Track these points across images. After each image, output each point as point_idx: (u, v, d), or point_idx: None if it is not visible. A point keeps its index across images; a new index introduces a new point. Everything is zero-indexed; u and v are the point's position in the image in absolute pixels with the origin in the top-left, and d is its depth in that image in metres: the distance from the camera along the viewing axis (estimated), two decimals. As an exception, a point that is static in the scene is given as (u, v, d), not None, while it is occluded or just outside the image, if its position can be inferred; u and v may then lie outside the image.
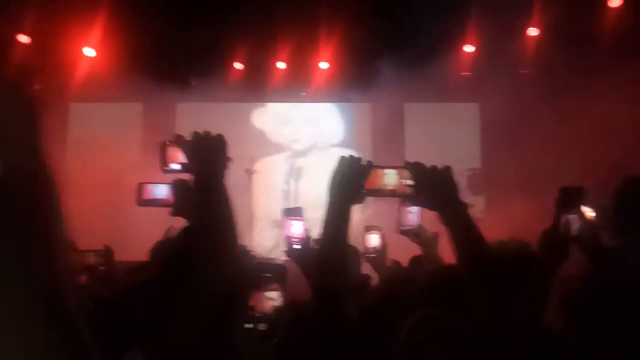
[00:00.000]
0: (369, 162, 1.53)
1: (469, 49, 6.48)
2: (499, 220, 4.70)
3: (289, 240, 1.87)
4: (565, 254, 1.73)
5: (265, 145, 7.41)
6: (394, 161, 1.67)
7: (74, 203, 0.50)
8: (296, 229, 1.86)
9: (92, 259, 2.69)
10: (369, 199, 1.55)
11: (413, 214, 1.98)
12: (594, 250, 1.77)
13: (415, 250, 2.39)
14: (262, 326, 1.31)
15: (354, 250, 2.21)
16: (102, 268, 2.72)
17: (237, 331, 1.28)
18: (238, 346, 1.26)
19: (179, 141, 1.51)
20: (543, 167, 6.00)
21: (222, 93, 6.90)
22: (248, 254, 1.70)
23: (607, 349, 1.60)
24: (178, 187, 1.81)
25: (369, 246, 2.44)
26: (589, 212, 1.84)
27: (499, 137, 6.74)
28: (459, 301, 1.39)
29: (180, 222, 1.71)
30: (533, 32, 6.18)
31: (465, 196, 1.52)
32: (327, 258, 1.44)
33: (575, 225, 1.73)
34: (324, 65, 6.75)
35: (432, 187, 1.49)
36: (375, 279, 2.57)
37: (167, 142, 1.60)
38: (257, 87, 6.93)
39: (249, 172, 6.43)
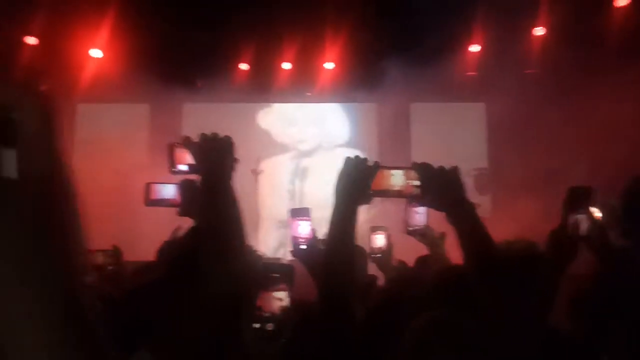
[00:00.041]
0: (375, 162, 1.53)
1: (474, 48, 6.47)
2: (506, 220, 4.68)
3: (295, 240, 1.87)
4: (573, 254, 1.73)
5: (271, 146, 7.42)
6: (400, 161, 1.67)
7: (82, 204, 0.51)
8: (303, 229, 1.86)
9: (100, 259, 2.70)
10: (375, 199, 1.56)
11: (420, 215, 1.98)
12: (602, 250, 1.76)
13: (421, 250, 2.39)
14: (269, 326, 1.32)
15: (360, 250, 2.21)
16: (110, 268, 2.73)
17: (244, 331, 1.28)
18: (246, 346, 1.26)
19: (186, 143, 1.52)
20: (550, 167, 5.97)
21: (228, 94, 6.92)
22: (254, 254, 1.71)
23: (614, 349, 1.59)
24: (185, 187, 1.82)
25: (374, 246, 2.44)
26: (596, 212, 1.83)
27: (506, 137, 6.72)
28: (466, 301, 1.38)
29: (188, 222, 1.72)
30: (539, 31, 6.15)
31: (472, 196, 1.52)
32: (334, 258, 1.45)
33: (583, 225, 1.72)
34: (329, 65, 6.75)
35: (440, 187, 1.49)
36: (381, 279, 2.57)
37: (175, 144, 1.61)
38: (263, 87, 6.94)
39: (255, 173, 6.45)
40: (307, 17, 5.81)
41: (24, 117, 0.45)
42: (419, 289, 1.72)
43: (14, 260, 0.43)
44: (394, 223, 2.43)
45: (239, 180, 1.46)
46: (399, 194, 1.55)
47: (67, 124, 6.82)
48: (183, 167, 1.59)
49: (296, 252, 1.88)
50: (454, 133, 7.14)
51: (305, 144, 7.57)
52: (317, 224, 1.86)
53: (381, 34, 5.97)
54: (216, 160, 1.42)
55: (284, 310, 1.35)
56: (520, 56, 6.30)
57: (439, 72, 6.16)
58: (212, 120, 6.78)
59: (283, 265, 1.65)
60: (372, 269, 2.54)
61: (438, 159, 1.60)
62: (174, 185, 1.93)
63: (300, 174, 7.47)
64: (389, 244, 2.47)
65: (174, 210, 1.90)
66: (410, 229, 1.97)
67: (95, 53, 6.40)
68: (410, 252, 2.64)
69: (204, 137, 1.46)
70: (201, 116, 7.07)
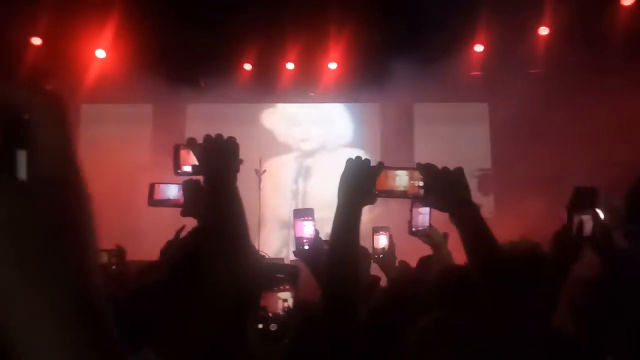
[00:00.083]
0: (380, 162, 1.53)
1: (479, 48, 6.46)
2: (510, 220, 4.67)
3: (299, 241, 1.87)
4: (577, 255, 1.72)
5: (274, 146, 7.43)
6: (403, 161, 1.67)
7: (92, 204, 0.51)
8: (306, 229, 1.86)
9: (104, 259, 2.72)
10: (378, 200, 1.56)
11: (424, 215, 1.98)
12: (607, 251, 1.75)
13: (423, 250, 2.39)
14: (273, 327, 1.32)
15: (363, 251, 2.21)
16: (114, 267, 2.74)
17: (248, 331, 1.28)
18: (249, 346, 1.27)
19: (191, 144, 1.52)
20: (553, 168, 5.95)
21: (232, 94, 6.93)
22: (258, 254, 1.71)
23: (618, 351, 1.59)
24: (189, 187, 1.82)
25: (377, 247, 2.44)
26: (601, 213, 1.82)
27: (509, 137, 6.70)
28: (469, 302, 1.38)
29: (191, 223, 1.73)
30: (544, 31, 6.13)
31: (476, 197, 1.52)
32: (337, 259, 1.45)
33: (588, 225, 1.72)
34: (332, 65, 6.76)
35: (444, 188, 1.48)
36: (383, 279, 2.57)
37: (181, 146, 1.61)
38: (266, 87, 6.95)
39: (258, 173, 6.46)
40: (310, 17, 5.81)
41: (36, 118, 0.45)
42: (421, 289, 1.72)
43: (27, 261, 0.43)
44: (396, 223, 2.43)
45: (242, 180, 1.46)
46: (403, 195, 1.55)
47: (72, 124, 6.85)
48: (188, 169, 1.59)
49: (299, 252, 1.88)
50: (457, 133, 7.13)
51: (308, 144, 7.57)
52: (320, 225, 1.86)
53: (385, 34, 5.97)
54: (221, 162, 1.42)
55: (288, 311, 1.35)
56: (524, 56, 6.29)
57: (443, 72, 6.16)
58: (215, 120, 6.80)
59: (288, 266, 1.65)
60: (375, 269, 2.54)
61: (441, 159, 1.60)
62: (177, 185, 1.93)
63: (304, 174, 7.47)
64: (391, 245, 2.47)
65: (177, 210, 1.90)
66: (414, 229, 1.96)
67: (99, 53, 6.42)
68: (413, 252, 2.64)
69: (208, 138, 1.46)
70: (204, 116, 7.09)
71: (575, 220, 1.72)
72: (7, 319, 0.43)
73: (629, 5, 5.63)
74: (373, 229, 2.47)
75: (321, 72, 6.86)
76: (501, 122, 6.75)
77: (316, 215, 1.89)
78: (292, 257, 2.02)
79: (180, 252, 1.45)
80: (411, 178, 1.53)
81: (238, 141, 1.48)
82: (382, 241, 2.45)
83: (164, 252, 2.20)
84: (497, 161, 7.07)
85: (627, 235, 1.76)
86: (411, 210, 1.93)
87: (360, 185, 1.48)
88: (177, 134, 6.42)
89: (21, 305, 0.43)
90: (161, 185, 2.00)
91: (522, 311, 1.42)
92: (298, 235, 1.88)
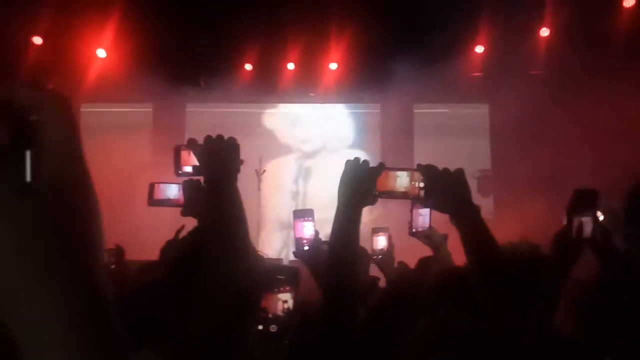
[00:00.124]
0: (380, 163, 1.53)
1: (479, 49, 6.46)
2: (510, 222, 4.67)
3: (299, 241, 1.87)
4: (576, 257, 1.72)
5: (275, 146, 7.43)
6: (403, 162, 1.67)
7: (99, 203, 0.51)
8: (306, 230, 1.86)
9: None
10: (378, 200, 1.56)
11: (424, 216, 1.98)
12: (606, 253, 1.75)
13: (422, 251, 2.39)
14: (273, 327, 1.32)
15: (362, 251, 2.21)
16: (113, 267, 2.74)
17: (248, 332, 1.28)
18: (249, 347, 1.27)
19: (192, 145, 1.52)
20: (554, 169, 5.95)
21: (232, 94, 6.93)
22: (257, 254, 1.71)
23: (617, 352, 1.59)
24: (189, 187, 1.81)
25: (376, 248, 2.44)
26: (601, 215, 1.82)
27: (510, 138, 6.70)
28: (468, 303, 1.38)
29: (191, 223, 1.72)
30: (544, 32, 6.14)
31: (476, 198, 1.52)
32: (337, 259, 1.45)
33: (587, 227, 1.72)
34: (333, 66, 6.76)
35: (444, 189, 1.48)
36: (382, 280, 2.57)
37: (181, 146, 1.61)
38: (267, 88, 6.95)
39: (258, 173, 6.45)
40: (311, 18, 5.82)
41: (43, 118, 0.45)
42: (420, 290, 1.72)
43: (35, 261, 0.43)
44: (396, 224, 2.43)
45: (242, 181, 1.46)
46: (404, 196, 1.55)
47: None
48: (189, 170, 1.59)
49: (299, 253, 1.88)
50: (457, 134, 7.13)
51: (308, 145, 7.57)
52: (320, 225, 1.86)
53: (385, 34, 5.97)
54: (221, 163, 1.42)
55: (288, 312, 1.35)
56: (525, 57, 6.29)
57: (444, 73, 6.15)
58: (215, 121, 6.80)
59: (289, 267, 1.65)
60: (373, 269, 2.54)
61: (441, 160, 1.60)
62: (177, 185, 1.93)
63: (304, 174, 7.47)
64: (390, 245, 2.47)
65: (177, 210, 1.90)
66: (415, 230, 1.96)
67: (100, 53, 6.43)
68: (412, 253, 2.64)
69: (209, 139, 1.46)
70: (205, 116, 7.09)
71: (575, 222, 1.72)
72: (15, 318, 0.43)
73: (630, 7, 5.63)
74: (372, 229, 2.48)
75: (322, 72, 6.86)
76: (501, 123, 6.76)
77: (316, 216, 1.89)
78: (292, 257, 2.02)
79: (180, 252, 1.45)
80: (412, 179, 1.53)
81: (238, 141, 1.48)
82: (381, 242, 2.45)
83: (163, 251, 2.20)
84: (497, 162, 7.07)
85: (627, 237, 1.77)
86: (411, 211, 1.93)
87: (360, 186, 1.48)
88: (177, 134, 6.42)
89: (29, 305, 0.43)
90: (161, 185, 2.00)
91: (521, 312, 1.41)
92: (298, 235, 1.88)
